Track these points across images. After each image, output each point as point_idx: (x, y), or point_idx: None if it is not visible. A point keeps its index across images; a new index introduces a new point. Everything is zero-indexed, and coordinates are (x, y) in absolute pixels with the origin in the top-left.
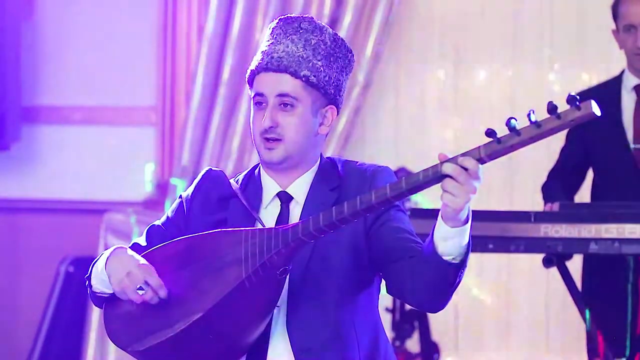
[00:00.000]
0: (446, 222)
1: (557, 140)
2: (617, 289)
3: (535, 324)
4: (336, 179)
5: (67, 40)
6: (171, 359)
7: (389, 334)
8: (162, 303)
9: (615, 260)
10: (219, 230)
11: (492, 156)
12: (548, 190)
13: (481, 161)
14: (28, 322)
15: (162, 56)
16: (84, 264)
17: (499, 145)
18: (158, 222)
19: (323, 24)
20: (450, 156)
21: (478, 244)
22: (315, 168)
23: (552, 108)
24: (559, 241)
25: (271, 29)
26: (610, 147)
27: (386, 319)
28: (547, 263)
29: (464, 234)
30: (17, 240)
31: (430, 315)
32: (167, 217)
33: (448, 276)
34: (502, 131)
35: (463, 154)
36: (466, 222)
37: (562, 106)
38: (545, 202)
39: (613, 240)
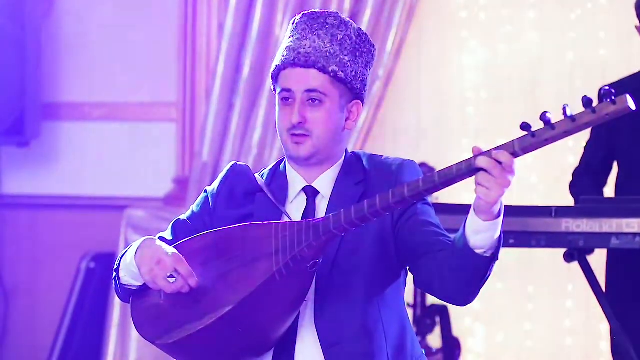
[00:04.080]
0: (479, 216)
1: (583, 134)
2: None
3: (557, 322)
4: (361, 173)
5: (87, 36)
6: (200, 352)
7: None
8: (191, 296)
9: (638, 255)
10: (248, 223)
11: (527, 150)
12: (578, 189)
13: (515, 155)
14: (49, 318)
15: (182, 52)
16: (105, 260)
17: (533, 139)
18: (183, 217)
19: (347, 19)
20: (484, 150)
21: None
22: (340, 162)
23: (587, 102)
24: (580, 236)
25: (295, 24)
26: (635, 140)
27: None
28: (568, 258)
29: (496, 228)
30: (38, 237)
31: (451, 311)
32: (193, 211)
33: (479, 269)
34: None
35: (497, 148)
36: (498, 215)
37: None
38: (577, 201)
39: (635, 234)
